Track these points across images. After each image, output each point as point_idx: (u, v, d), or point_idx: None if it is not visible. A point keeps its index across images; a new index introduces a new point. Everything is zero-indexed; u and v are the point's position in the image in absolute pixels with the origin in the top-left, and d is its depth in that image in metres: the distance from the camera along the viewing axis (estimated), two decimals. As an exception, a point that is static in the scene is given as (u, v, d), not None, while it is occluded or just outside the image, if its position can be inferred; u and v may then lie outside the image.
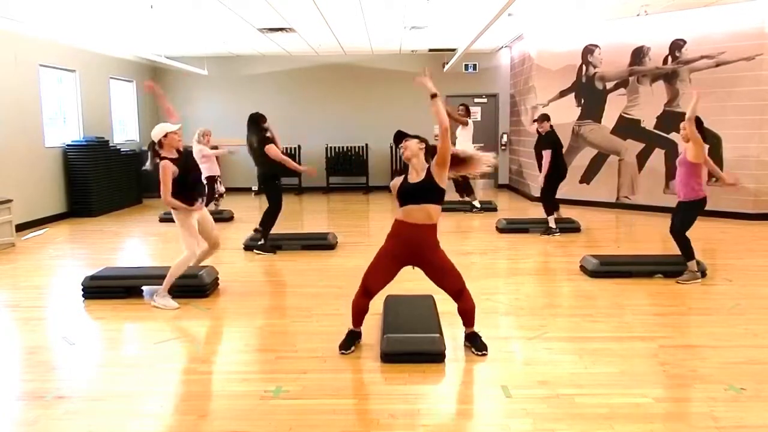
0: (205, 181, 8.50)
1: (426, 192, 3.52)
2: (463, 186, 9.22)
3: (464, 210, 9.14)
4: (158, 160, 4.57)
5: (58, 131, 9.61)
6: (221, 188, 8.94)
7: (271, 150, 6.40)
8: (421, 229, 3.53)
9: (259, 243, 6.61)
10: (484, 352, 3.66)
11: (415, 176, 3.56)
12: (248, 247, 6.75)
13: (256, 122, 6.53)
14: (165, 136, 4.60)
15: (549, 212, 7.39)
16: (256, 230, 6.81)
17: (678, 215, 5.23)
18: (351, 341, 3.75)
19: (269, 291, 5.33)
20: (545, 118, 7.48)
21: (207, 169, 8.62)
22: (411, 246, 3.56)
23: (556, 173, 7.38)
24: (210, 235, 5.03)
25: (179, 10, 7.66)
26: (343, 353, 3.69)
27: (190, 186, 4.76)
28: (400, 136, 3.67)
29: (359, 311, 3.71)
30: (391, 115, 12.78)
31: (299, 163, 12.54)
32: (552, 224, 7.34)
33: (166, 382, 3.39)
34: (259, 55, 12.25)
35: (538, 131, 7.56)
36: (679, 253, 5.61)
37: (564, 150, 9.79)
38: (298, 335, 4.06)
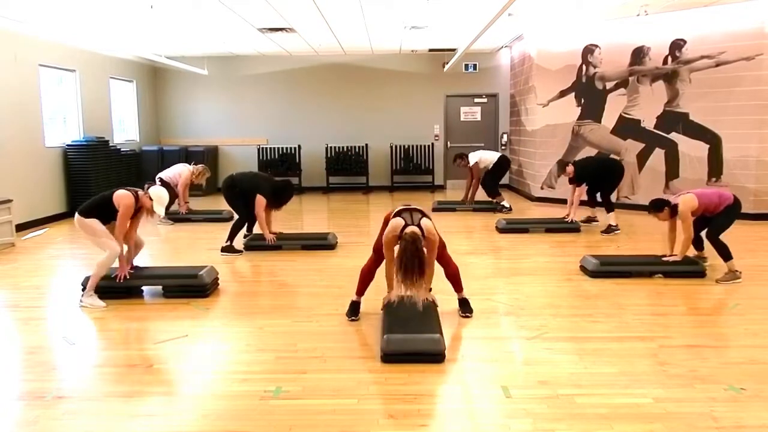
0: (157, 182, 8.51)
1: None
2: (491, 188, 9.29)
3: (491, 209, 9.26)
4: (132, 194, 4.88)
5: (58, 131, 9.61)
6: (182, 208, 8.90)
7: (260, 202, 6.51)
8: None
9: (224, 245, 6.64)
10: (468, 314, 4.39)
11: None
12: (248, 248, 6.76)
13: (280, 192, 6.60)
14: (150, 198, 4.92)
15: (609, 210, 7.51)
16: (245, 235, 6.99)
17: (714, 222, 5.33)
18: (356, 309, 4.37)
19: (269, 291, 5.33)
20: (564, 165, 7.72)
21: (167, 177, 8.58)
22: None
23: (607, 186, 7.60)
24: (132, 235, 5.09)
25: (179, 10, 7.66)
26: (352, 320, 4.31)
27: (112, 216, 4.88)
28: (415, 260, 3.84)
29: (367, 279, 4.37)
30: (391, 115, 12.80)
31: (299, 164, 12.61)
32: (613, 222, 7.43)
33: (166, 382, 3.39)
34: (259, 55, 12.25)
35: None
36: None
37: (564, 150, 9.88)
38: (298, 335, 4.06)
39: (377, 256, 4.31)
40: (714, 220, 5.33)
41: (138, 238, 5.19)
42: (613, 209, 7.54)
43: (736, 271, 5.22)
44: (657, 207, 5.42)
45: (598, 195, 7.76)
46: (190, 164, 9.02)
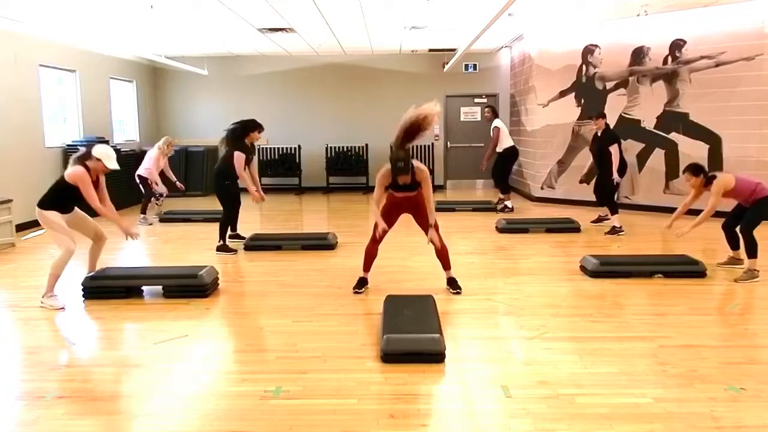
0: (137, 179, 8.68)
1: (413, 187, 4.73)
2: (503, 183, 9.27)
3: (491, 209, 9.26)
4: (81, 166, 4.80)
5: (58, 131, 9.61)
6: (160, 188, 8.90)
7: (238, 158, 6.49)
8: (412, 196, 4.80)
9: (218, 244, 6.65)
10: (458, 291, 4.88)
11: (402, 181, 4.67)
12: (248, 248, 6.76)
13: (243, 131, 6.63)
14: (98, 159, 4.79)
15: (614, 212, 7.42)
16: (230, 236, 6.94)
17: (746, 214, 5.28)
18: (361, 285, 4.98)
19: (269, 291, 5.33)
20: (602, 115, 7.54)
21: (145, 171, 8.61)
22: (406, 204, 4.84)
23: (619, 170, 7.42)
24: (90, 229, 5.08)
25: (179, 10, 7.66)
26: (357, 292, 4.91)
27: (71, 199, 4.88)
28: (405, 168, 4.54)
29: (370, 256, 4.97)
30: (391, 115, 12.66)
31: (299, 164, 12.61)
32: (617, 223, 7.34)
33: (166, 382, 3.39)
34: (259, 55, 12.25)
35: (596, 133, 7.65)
36: (678, 253, 5.64)
37: (564, 150, 9.90)
38: (298, 335, 4.06)
39: (374, 236, 4.86)
40: (747, 213, 5.26)
41: (99, 231, 5.13)
42: (618, 211, 7.49)
43: (755, 270, 5.17)
44: (695, 170, 5.32)
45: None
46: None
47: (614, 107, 9.40)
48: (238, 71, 12.72)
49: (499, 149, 9.20)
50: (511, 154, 9.23)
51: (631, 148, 9.28)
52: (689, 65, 8.55)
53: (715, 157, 8.42)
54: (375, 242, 4.89)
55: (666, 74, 8.81)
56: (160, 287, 5.05)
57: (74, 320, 4.54)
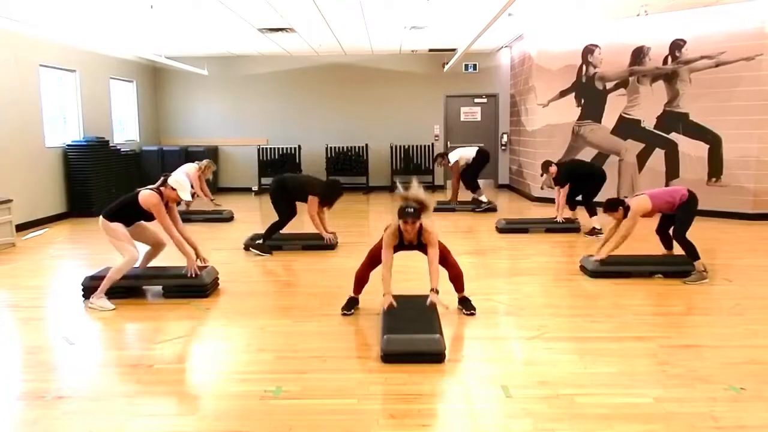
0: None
1: (417, 247, 4.37)
2: (470, 183, 9.30)
3: (466, 210, 9.24)
4: (156, 193, 4.88)
5: (58, 131, 9.61)
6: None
7: (312, 203, 6.58)
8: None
9: (257, 242, 6.61)
10: (472, 312, 4.44)
11: (408, 237, 4.25)
12: (248, 247, 6.75)
13: (333, 193, 6.75)
14: (172, 189, 4.89)
15: (592, 214, 7.45)
16: (252, 237, 6.88)
17: (675, 222, 5.32)
18: (351, 305, 4.50)
19: (269, 291, 5.33)
20: (547, 165, 7.63)
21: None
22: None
23: (588, 191, 7.48)
24: (150, 238, 5.13)
25: (179, 10, 7.66)
26: (344, 314, 4.42)
27: (138, 217, 4.93)
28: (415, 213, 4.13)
29: (361, 282, 4.48)
30: (391, 115, 12.80)
31: (299, 164, 12.61)
32: (596, 225, 7.36)
33: (166, 382, 3.39)
34: (259, 55, 12.25)
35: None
36: (678, 253, 5.63)
37: (564, 150, 9.88)
38: (298, 335, 4.06)
39: (371, 260, 4.44)
40: (676, 218, 5.31)
41: (159, 240, 5.17)
42: (596, 213, 7.45)
43: (704, 271, 5.22)
44: (611, 206, 5.44)
45: (580, 198, 7.64)
46: (194, 162, 9.01)
47: (614, 107, 9.41)
48: (238, 71, 12.72)
49: (469, 162, 9.30)
50: (477, 160, 9.27)
51: (632, 147, 9.30)
52: (689, 65, 8.55)
53: (715, 157, 8.43)
54: (370, 267, 4.46)
55: (666, 74, 8.81)
56: (160, 287, 5.05)
57: (74, 320, 4.54)
